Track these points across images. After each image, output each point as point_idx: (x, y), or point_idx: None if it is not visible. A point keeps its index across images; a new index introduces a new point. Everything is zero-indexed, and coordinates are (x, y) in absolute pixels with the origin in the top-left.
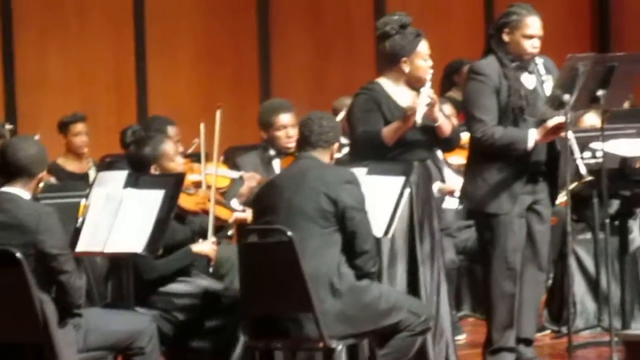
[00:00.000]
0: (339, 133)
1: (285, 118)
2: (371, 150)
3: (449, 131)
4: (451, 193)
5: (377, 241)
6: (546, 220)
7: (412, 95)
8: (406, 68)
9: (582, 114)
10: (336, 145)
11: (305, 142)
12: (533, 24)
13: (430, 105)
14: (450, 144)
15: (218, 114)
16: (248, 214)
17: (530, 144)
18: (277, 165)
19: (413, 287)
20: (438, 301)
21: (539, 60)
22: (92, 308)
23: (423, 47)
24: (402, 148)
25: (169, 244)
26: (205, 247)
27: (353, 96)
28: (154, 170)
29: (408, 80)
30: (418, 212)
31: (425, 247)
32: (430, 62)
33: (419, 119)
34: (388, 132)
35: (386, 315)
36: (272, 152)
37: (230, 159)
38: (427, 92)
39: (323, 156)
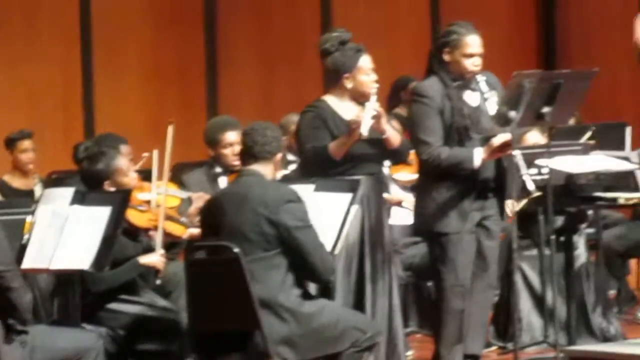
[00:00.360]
0: (281, 142)
1: (232, 136)
2: (320, 166)
3: (398, 142)
4: (398, 203)
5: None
6: (495, 237)
7: (358, 110)
8: (349, 84)
9: (525, 132)
10: (279, 155)
11: (248, 153)
12: (473, 43)
13: (376, 118)
14: (400, 155)
15: (170, 129)
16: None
17: (477, 162)
18: (223, 182)
19: (360, 300)
20: (391, 314)
21: (481, 78)
22: (38, 325)
23: (365, 62)
24: (351, 162)
25: (119, 259)
26: (153, 258)
27: (300, 114)
28: (107, 186)
29: (352, 95)
30: (369, 224)
31: (376, 260)
32: (373, 76)
33: (364, 131)
34: (335, 146)
35: (334, 342)
36: (218, 170)
37: (177, 176)
38: (372, 105)
39: (266, 168)
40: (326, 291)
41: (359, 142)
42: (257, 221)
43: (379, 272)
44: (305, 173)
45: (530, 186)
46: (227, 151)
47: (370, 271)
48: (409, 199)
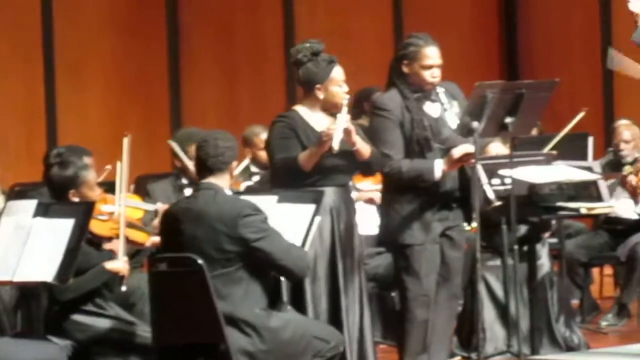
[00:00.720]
0: (236, 150)
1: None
2: (289, 177)
3: (368, 154)
4: (370, 200)
5: None
6: (460, 247)
7: (329, 121)
8: (320, 95)
9: (488, 143)
10: (235, 163)
11: (202, 167)
12: (431, 54)
13: (347, 130)
14: (370, 167)
15: (126, 141)
16: None
17: (437, 174)
18: (188, 194)
19: (334, 313)
20: (362, 325)
21: (440, 89)
22: (2, 337)
23: (337, 73)
24: (321, 174)
25: (83, 269)
26: (119, 264)
27: (270, 124)
28: (72, 195)
29: (324, 106)
30: (339, 236)
31: (347, 272)
32: (345, 88)
33: (335, 145)
34: (304, 157)
35: (298, 356)
36: (184, 181)
37: (142, 188)
38: (344, 117)
39: (222, 180)
40: (297, 299)
41: (329, 153)
42: (216, 238)
43: (349, 284)
44: (276, 184)
45: (491, 195)
46: (192, 163)
47: (344, 287)
48: (377, 196)
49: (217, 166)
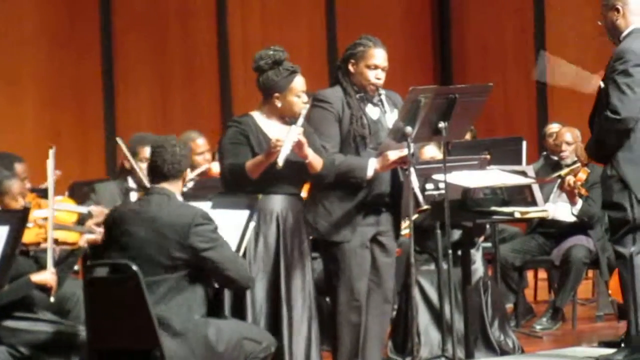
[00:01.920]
0: (189, 159)
1: (148, 151)
2: (237, 183)
3: (320, 167)
4: None
5: None
6: (391, 253)
7: (284, 130)
8: (278, 103)
9: (423, 146)
10: (188, 170)
11: (157, 172)
12: (377, 55)
13: (300, 143)
14: (321, 178)
15: (50, 153)
16: (98, 235)
17: (370, 172)
18: (134, 198)
19: (275, 321)
20: (309, 335)
21: (382, 91)
22: None
23: (298, 83)
24: (270, 182)
25: (13, 276)
26: (46, 276)
27: (225, 127)
28: None
29: (280, 114)
30: (284, 244)
31: (292, 280)
32: (305, 98)
33: (280, 161)
34: (251, 165)
35: None
36: (131, 184)
37: (76, 194)
38: (296, 131)
39: (175, 186)
40: (238, 306)
41: (275, 167)
42: (166, 245)
43: (295, 292)
44: (224, 189)
45: (421, 199)
46: (143, 165)
47: (285, 294)
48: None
49: (172, 173)
